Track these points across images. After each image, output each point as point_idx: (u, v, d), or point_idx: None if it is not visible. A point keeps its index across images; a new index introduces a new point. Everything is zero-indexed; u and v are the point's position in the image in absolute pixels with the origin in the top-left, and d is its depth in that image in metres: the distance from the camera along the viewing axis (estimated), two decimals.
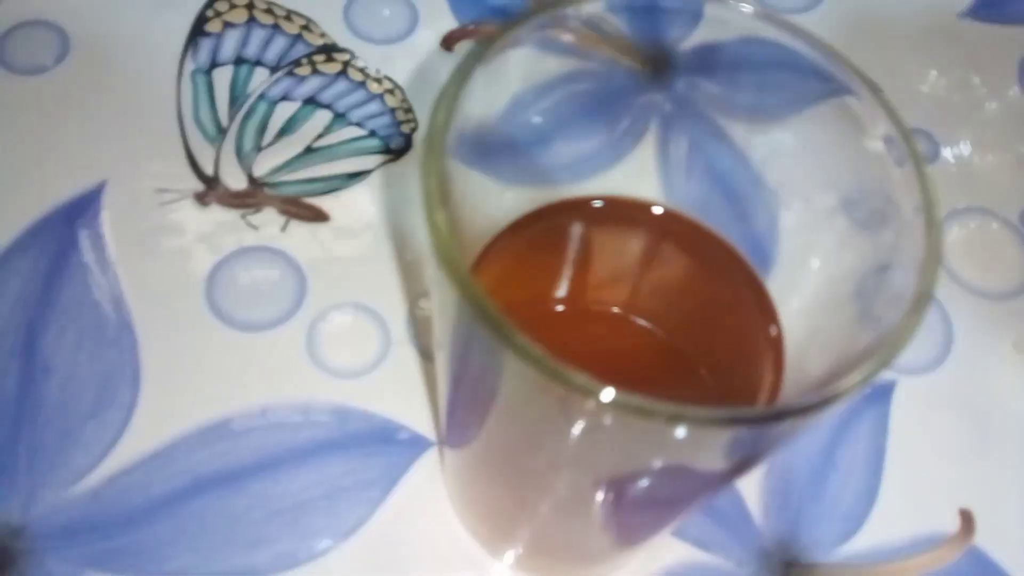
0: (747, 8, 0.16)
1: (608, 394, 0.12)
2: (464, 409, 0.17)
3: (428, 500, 0.23)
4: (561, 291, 0.19)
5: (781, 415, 0.12)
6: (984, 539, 0.24)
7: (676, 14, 0.18)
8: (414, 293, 0.25)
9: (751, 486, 0.24)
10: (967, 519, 0.24)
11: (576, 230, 0.19)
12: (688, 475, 0.16)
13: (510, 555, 0.22)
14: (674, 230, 0.19)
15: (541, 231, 0.19)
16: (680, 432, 0.12)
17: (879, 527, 0.24)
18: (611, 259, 0.19)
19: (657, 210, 0.19)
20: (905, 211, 0.15)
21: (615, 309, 0.19)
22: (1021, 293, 0.28)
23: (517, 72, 0.17)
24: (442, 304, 0.14)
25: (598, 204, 0.19)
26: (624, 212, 0.19)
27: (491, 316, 0.12)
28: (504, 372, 0.14)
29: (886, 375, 0.25)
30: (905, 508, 0.24)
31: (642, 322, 0.18)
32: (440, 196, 0.13)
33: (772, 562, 0.23)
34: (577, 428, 0.14)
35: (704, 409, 0.12)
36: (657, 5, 0.18)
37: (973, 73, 0.31)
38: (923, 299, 0.13)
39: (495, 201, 0.19)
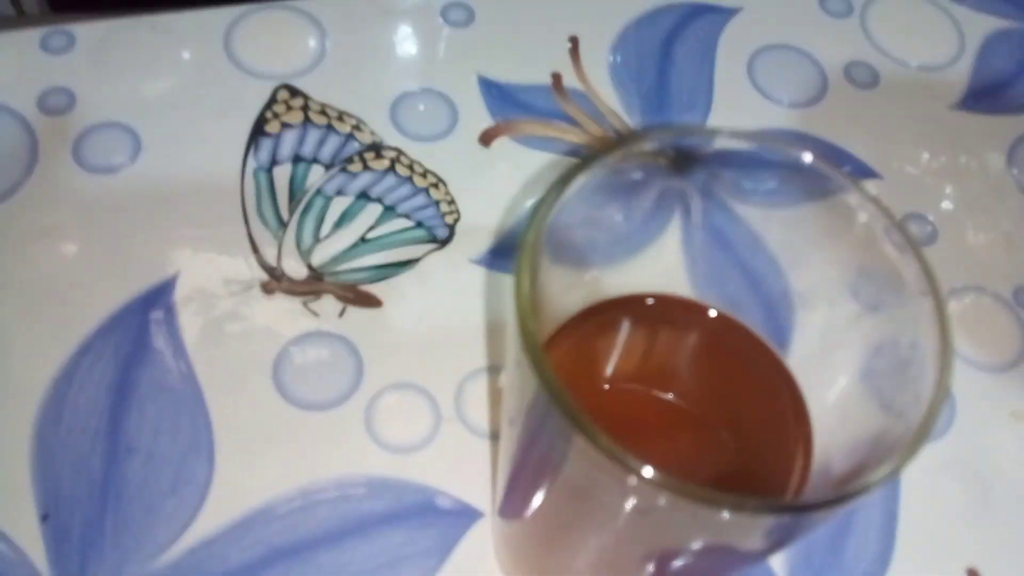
0: (750, 140, 0.19)
1: (662, 480, 0.14)
2: (527, 482, 0.20)
3: (480, 568, 0.25)
4: (616, 378, 0.21)
5: (817, 506, 0.14)
6: None
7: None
8: (461, 372, 0.28)
9: (777, 554, 0.26)
10: None
11: (630, 324, 0.22)
12: (728, 552, 0.18)
13: None
14: (718, 328, 0.21)
15: (600, 323, 0.21)
16: (729, 516, 0.15)
17: None
18: (661, 352, 0.22)
19: (710, 312, 0.22)
20: (912, 296, 0.17)
21: (665, 395, 0.21)
22: (1016, 365, 0.30)
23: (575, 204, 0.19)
24: (521, 386, 0.16)
25: (650, 302, 0.21)
26: (675, 310, 0.21)
27: (566, 403, 0.15)
28: (571, 452, 0.16)
29: None
30: (917, 568, 0.26)
31: (685, 407, 0.21)
32: (532, 296, 0.16)
33: None
34: (632, 508, 0.16)
35: (755, 499, 0.14)
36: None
37: (966, 159, 0.34)
38: (939, 397, 0.15)
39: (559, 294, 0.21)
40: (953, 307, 0.31)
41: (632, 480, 0.14)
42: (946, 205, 0.33)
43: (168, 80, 0.32)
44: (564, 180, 0.17)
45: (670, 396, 0.21)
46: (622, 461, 0.14)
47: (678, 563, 0.19)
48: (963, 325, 0.31)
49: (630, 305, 0.21)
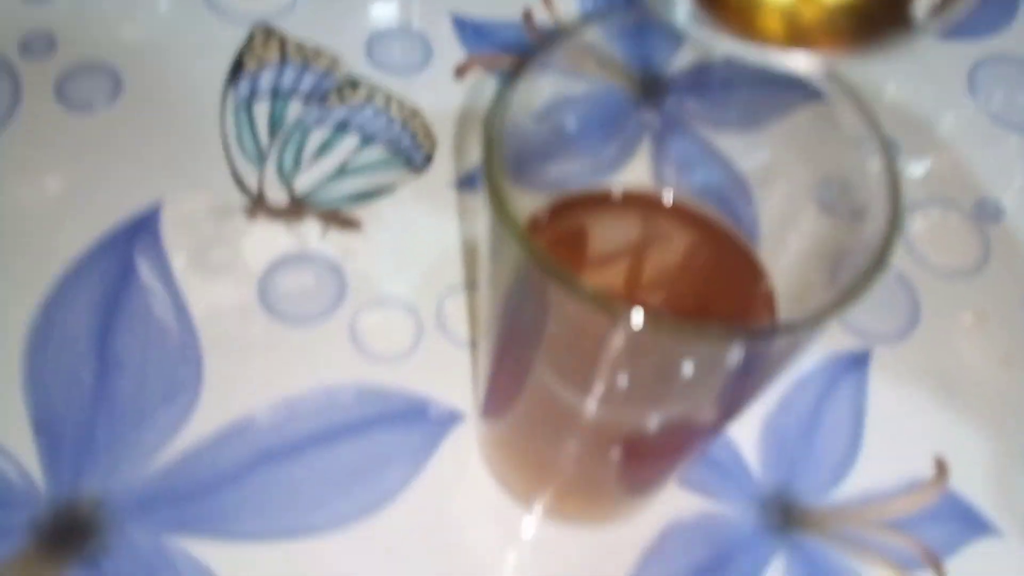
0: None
1: (639, 315, 0.15)
2: (507, 372, 0.20)
3: (463, 464, 0.26)
4: (587, 266, 0.22)
5: (779, 331, 0.15)
6: (957, 482, 0.27)
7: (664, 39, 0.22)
8: (441, 288, 0.29)
9: (748, 445, 0.27)
10: (941, 466, 0.27)
11: (597, 217, 0.23)
12: (698, 400, 0.19)
13: (539, 505, 0.25)
14: (683, 217, 0.22)
15: (567, 218, 0.22)
16: (698, 347, 0.16)
17: (863, 476, 0.27)
18: (628, 239, 0.23)
19: (667, 200, 0.23)
20: (874, 198, 0.18)
21: (636, 287, 0.22)
22: (978, 271, 0.31)
23: (532, 97, 0.20)
24: (499, 261, 0.17)
25: (616, 196, 0.22)
26: (639, 201, 0.22)
27: (545, 260, 0.15)
28: (553, 308, 0.17)
29: (862, 344, 0.29)
30: (885, 459, 0.27)
31: (655, 295, 0.22)
32: (502, 173, 0.16)
33: (771, 508, 0.26)
34: (614, 350, 0.17)
35: (720, 326, 0.15)
36: (646, 31, 0.22)
37: (929, 85, 0.35)
38: (883, 259, 0.16)
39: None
40: (920, 220, 0.32)
41: (610, 319, 0.15)
42: (910, 129, 0.34)
43: (147, 23, 0.33)
44: (517, 71, 0.18)
45: (641, 288, 0.22)
46: (600, 303, 0.15)
47: (653, 417, 0.19)
48: (929, 235, 0.32)
49: (596, 201, 0.22)
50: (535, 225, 0.22)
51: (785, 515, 0.26)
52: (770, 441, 0.27)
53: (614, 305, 0.15)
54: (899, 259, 0.31)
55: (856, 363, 0.29)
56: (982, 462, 0.27)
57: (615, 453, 0.21)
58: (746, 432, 0.27)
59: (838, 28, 0.15)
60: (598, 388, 0.18)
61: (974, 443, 0.28)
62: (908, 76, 0.35)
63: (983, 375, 0.29)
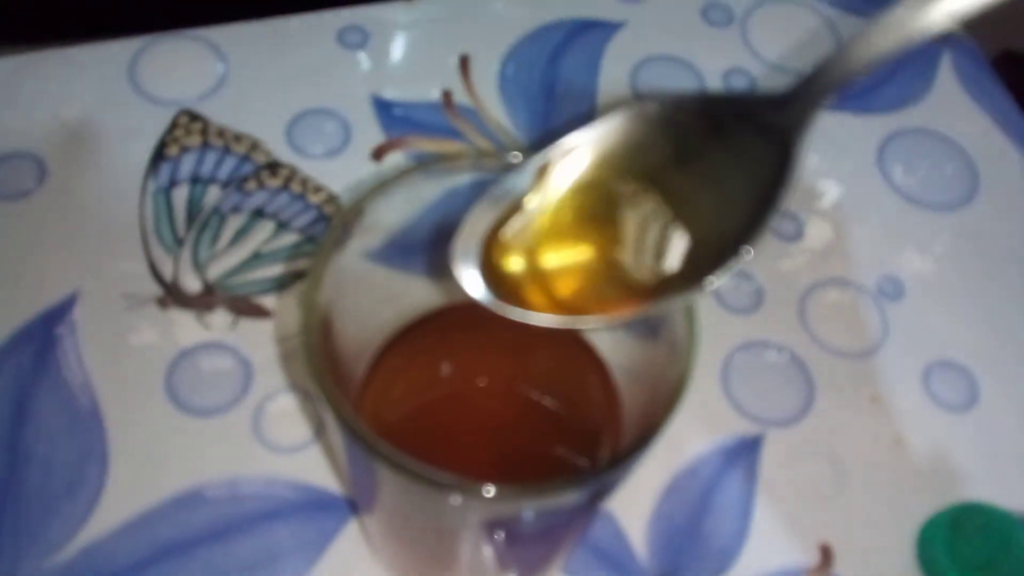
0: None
1: (457, 497, 0.16)
2: (361, 490, 0.21)
3: (356, 557, 0.27)
4: (450, 371, 0.23)
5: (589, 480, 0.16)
6: (842, 569, 0.28)
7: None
8: None
9: (635, 531, 0.28)
10: (826, 553, 0.28)
11: (461, 327, 0.24)
12: (551, 519, 0.20)
13: None
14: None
15: (437, 328, 0.23)
16: (524, 506, 0.17)
17: (749, 562, 0.28)
18: (492, 347, 0.24)
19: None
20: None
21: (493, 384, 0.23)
22: (875, 351, 0.32)
23: (429, 188, 0.21)
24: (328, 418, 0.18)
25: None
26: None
27: (360, 435, 0.16)
28: (378, 475, 0.18)
29: (755, 428, 0.30)
30: (772, 545, 0.28)
31: (505, 396, 0.23)
32: (320, 338, 0.17)
33: None
34: (448, 511, 0.18)
35: (533, 486, 0.16)
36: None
37: (836, 158, 0.36)
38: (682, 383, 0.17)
39: (410, 293, 0.23)
40: (818, 301, 0.33)
41: (432, 494, 0.16)
42: (816, 203, 0.35)
43: (74, 109, 0.34)
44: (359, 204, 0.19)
45: (498, 385, 0.23)
46: (418, 477, 0.16)
47: (516, 536, 0.20)
48: (827, 316, 0.32)
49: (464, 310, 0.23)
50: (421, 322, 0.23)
51: None
52: (658, 527, 0.28)
53: (436, 481, 0.16)
54: (796, 340, 0.32)
55: (748, 447, 0.30)
56: (866, 550, 0.28)
57: (486, 563, 0.22)
58: (634, 519, 0.28)
59: (606, 295, 0.18)
60: (449, 542, 0.19)
61: (861, 531, 0.28)
62: (816, 149, 0.36)
63: (875, 457, 0.30)
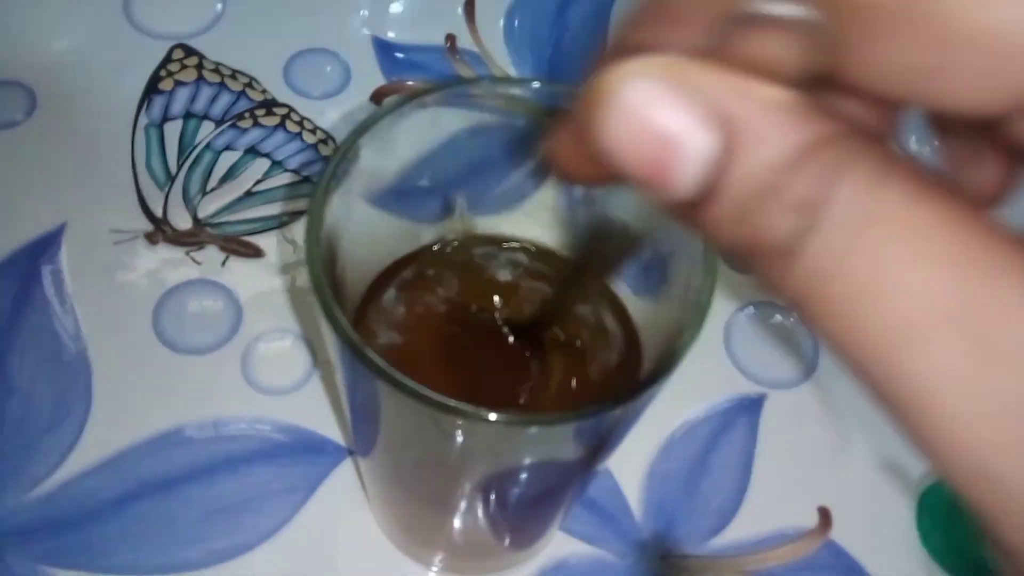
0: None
1: (460, 420, 0.15)
2: (362, 425, 0.21)
3: (346, 503, 0.26)
4: (448, 306, 0.22)
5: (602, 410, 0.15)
6: (839, 533, 0.27)
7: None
8: None
9: (633, 488, 0.27)
10: (825, 516, 0.27)
11: (458, 264, 0.23)
12: (553, 463, 0.19)
13: (422, 553, 0.25)
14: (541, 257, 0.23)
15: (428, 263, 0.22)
16: (530, 432, 0.16)
17: (746, 523, 0.27)
18: (489, 281, 0.23)
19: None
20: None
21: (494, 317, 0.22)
22: None
23: (431, 127, 0.20)
24: (332, 345, 0.17)
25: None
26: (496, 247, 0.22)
27: (368, 360, 0.15)
28: (385, 402, 0.17)
29: (757, 389, 0.29)
30: (770, 506, 0.27)
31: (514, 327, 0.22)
32: (325, 261, 0.16)
33: (648, 554, 0.26)
34: (451, 439, 0.17)
35: (536, 415, 0.15)
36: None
37: None
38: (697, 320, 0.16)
39: (409, 238, 0.22)
40: None
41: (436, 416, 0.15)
42: None
43: (66, 40, 0.33)
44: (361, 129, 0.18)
45: (498, 318, 0.22)
46: (426, 400, 0.15)
47: (515, 482, 0.20)
48: None
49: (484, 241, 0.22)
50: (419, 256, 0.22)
51: (661, 561, 0.26)
52: (655, 486, 0.27)
53: (444, 405, 0.15)
54: None
55: (749, 407, 0.29)
56: (865, 514, 0.28)
57: (484, 511, 0.21)
58: (631, 477, 0.27)
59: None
60: (451, 481, 0.19)
61: (859, 495, 0.28)
62: None
63: (877, 422, 0.29)
